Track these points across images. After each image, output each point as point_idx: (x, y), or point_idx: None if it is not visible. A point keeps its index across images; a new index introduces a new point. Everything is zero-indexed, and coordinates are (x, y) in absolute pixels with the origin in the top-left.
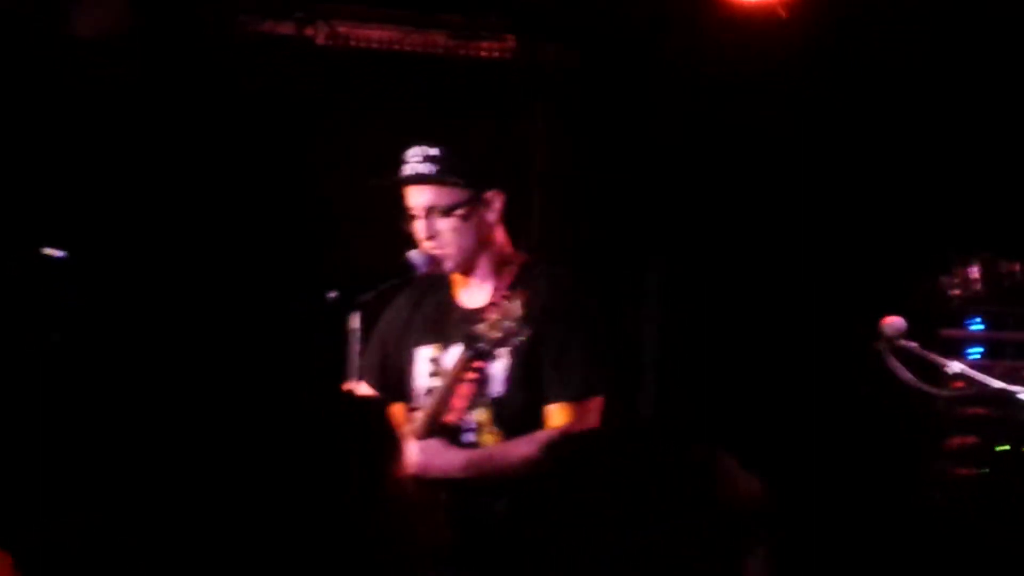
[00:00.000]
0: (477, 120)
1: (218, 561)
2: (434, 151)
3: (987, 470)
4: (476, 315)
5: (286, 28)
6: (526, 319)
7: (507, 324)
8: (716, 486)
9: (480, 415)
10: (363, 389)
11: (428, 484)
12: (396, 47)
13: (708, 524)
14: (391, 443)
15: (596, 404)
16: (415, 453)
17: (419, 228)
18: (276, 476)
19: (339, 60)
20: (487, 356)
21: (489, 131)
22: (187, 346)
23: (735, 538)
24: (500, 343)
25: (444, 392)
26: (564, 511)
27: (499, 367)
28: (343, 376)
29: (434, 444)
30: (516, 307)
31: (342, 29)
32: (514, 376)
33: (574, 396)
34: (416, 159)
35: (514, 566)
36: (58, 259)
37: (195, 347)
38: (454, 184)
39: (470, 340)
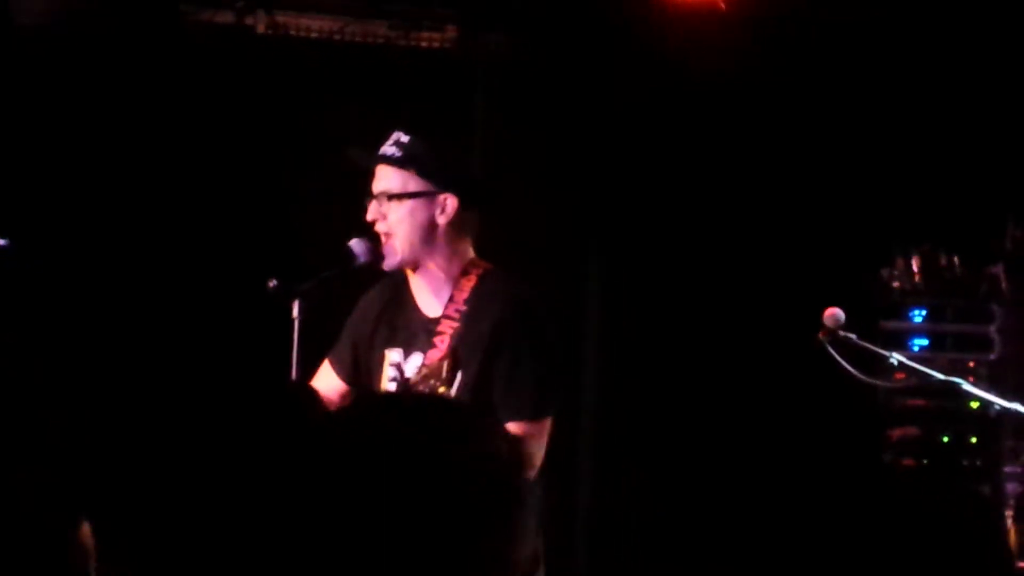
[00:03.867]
0: (418, 110)
1: (169, 551)
2: (405, 138)
3: (927, 461)
4: (433, 324)
5: (225, 17)
6: (451, 381)
7: (432, 383)
8: (479, 449)
9: None
10: (328, 377)
11: None
12: (336, 37)
13: (470, 490)
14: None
15: (548, 423)
16: None
17: (369, 209)
18: (222, 464)
19: (279, 49)
20: None
21: (456, 133)
22: (125, 333)
23: (498, 502)
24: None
25: None
26: (331, 484)
27: (452, 391)
28: (285, 365)
29: None
30: (444, 367)
31: (282, 18)
32: (464, 398)
33: (526, 416)
34: (389, 142)
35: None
36: (2, 248)
37: (137, 335)
38: (408, 172)
39: (404, 388)
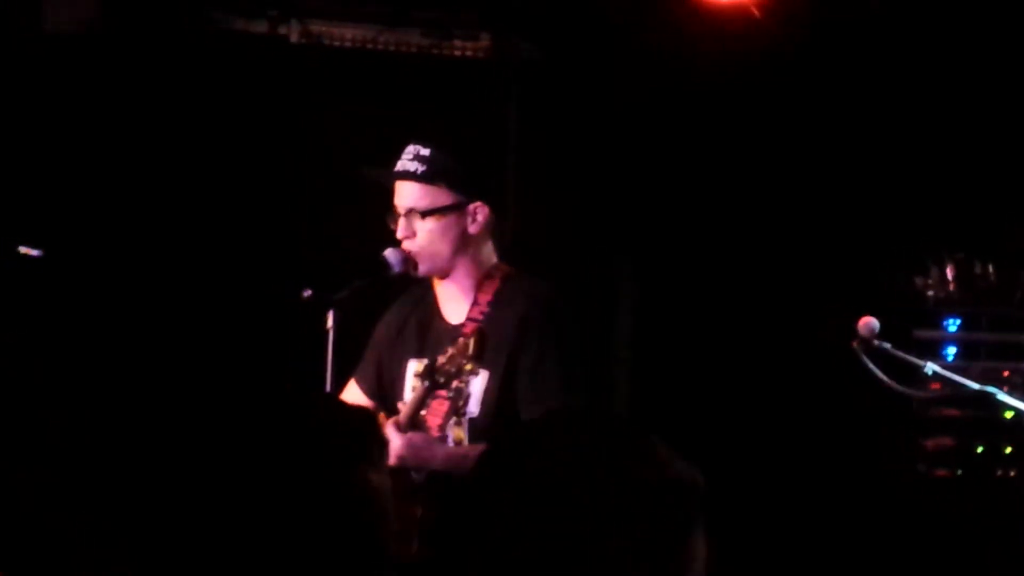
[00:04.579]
0: (451, 119)
1: (188, 559)
2: (426, 151)
3: (962, 471)
4: (457, 331)
5: (259, 27)
6: (479, 357)
7: (460, 361)
8: (659, 468)
9: (457, 433)
10: (354, 393)
11: (405, 497)
12: (370, 46)
13: (653, 504)
14: (376, 449)
15: None
16: (397, 444)
17: (399, 226)
18: (252, 475)
19: (313, 58)
20: (443, 388)
21: (478, 138)
22: (161, 343)
23: (679, 519)
24: (454, 377)
25: (409, 417)
26: (512, 499)
27: (476, 387)
28: (319, 375)
29: (416, 437)
30: (471, 344)
31: (315, 27)
32: (490, 396)
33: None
34: (408, 156)
35: (471, 552)
36: (34, 258)
37: (169, 344)
38: (437, 187)
39: (429, 372)
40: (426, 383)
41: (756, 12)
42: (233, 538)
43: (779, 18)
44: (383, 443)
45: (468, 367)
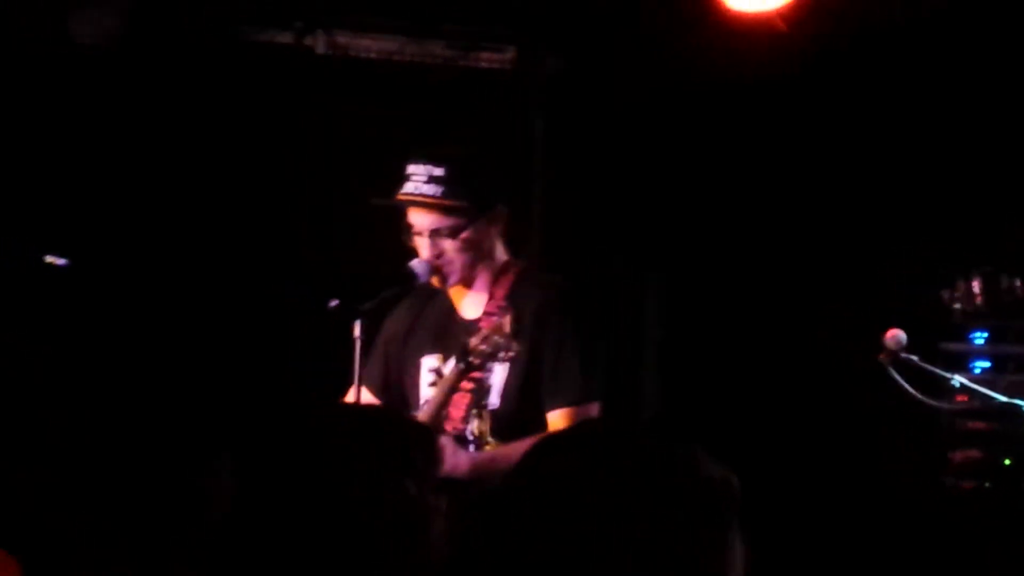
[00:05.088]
0: (477, 130)
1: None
2: (439, 171)
3: (988, 484)
4: (474, 325)
5: (285, 38)
6: (515, 334)
7: (496, 339)
8: (693, 472)
9: (479, 426)
10: (364, 396)
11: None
12: (395, 57)
13: (690, 510)
14: (422, 461)
15: (594, 409)
16: None
17: (423, 246)
18: (284, 484)
19: (338, 70)
20: (478, 369)
21: (490, 143)
22: (189, 354)
23: (715, 522)
24: (490, 357)
25: (438, 404)
26: (550, 503)
27: (497, 379)
28: (346, 384)
29: (445, 443)
30: (506, 322)
31: (341, 39)
32: (511, 387)
33: (573, 401)
34: (420, 178)
35: (505, 559)
36: (60, 267)
37: (197, 354)
38: (459, 206)
39: (462, 354)
40: (460, 365)
41: (783, 24)
42: (259, 546)
43: (807, 30)
44: (432, 457)
45: (506, 344)
